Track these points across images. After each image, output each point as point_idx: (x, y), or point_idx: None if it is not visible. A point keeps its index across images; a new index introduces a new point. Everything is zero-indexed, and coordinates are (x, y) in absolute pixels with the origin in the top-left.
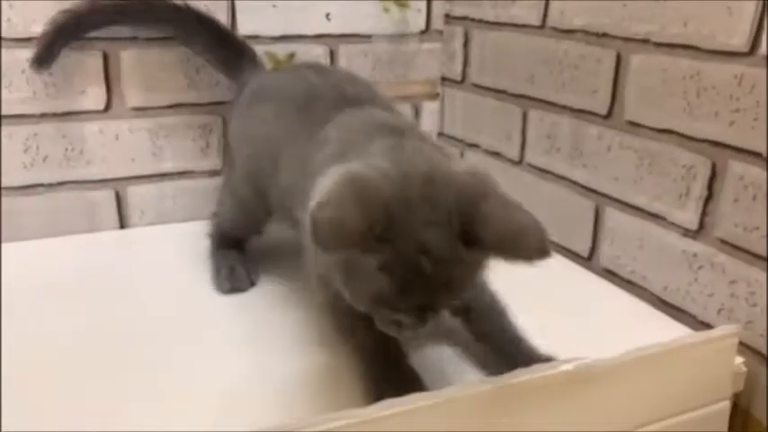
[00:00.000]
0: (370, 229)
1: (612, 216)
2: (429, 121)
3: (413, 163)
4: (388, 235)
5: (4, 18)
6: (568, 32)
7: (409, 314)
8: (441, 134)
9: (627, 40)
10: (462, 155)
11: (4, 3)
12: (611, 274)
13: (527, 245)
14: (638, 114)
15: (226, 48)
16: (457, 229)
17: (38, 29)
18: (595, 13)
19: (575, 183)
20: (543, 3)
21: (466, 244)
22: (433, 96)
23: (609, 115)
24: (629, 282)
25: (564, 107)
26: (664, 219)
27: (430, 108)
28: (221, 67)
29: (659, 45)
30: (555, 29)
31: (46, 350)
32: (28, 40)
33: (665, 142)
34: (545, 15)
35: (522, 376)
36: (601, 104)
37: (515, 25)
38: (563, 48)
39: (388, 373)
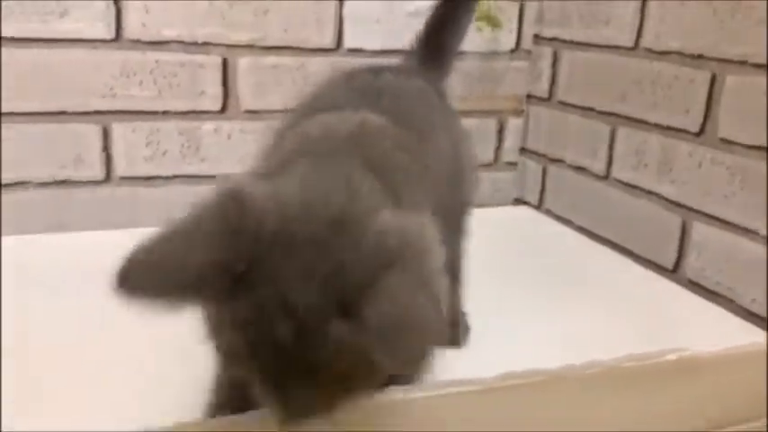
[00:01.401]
0: (225, 268)
1: (700, 230)
2: (513, 137)
3: (326, 196)
4: (248, 281)
5: (139, 22)
6: (663, 54)
7: (274, 403)
8: (523, 149)
9: (723, 61)
10: (545, 170)
11: (140, 7)
12: (695, 286)
13: (412, 342)
14: (732, 132)
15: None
16: (338, 295)
17: (169, 32)
18: (691, 35)
19: (662, 197)
20: (637, 25)
21: (345, 318)
22: (519, 113)
23: (701, 133)
24: (714, 293)
25: (654, 125)
26: (755, 233)
27: (514, 124)
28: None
29: (757, 66)
30: (649, 50)
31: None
32: (160, 43)
33: (759, 159)
34: (638, 37)
35: (627, 362)
36: (693, 122)
37: (607, 46)
38: (656, 68)
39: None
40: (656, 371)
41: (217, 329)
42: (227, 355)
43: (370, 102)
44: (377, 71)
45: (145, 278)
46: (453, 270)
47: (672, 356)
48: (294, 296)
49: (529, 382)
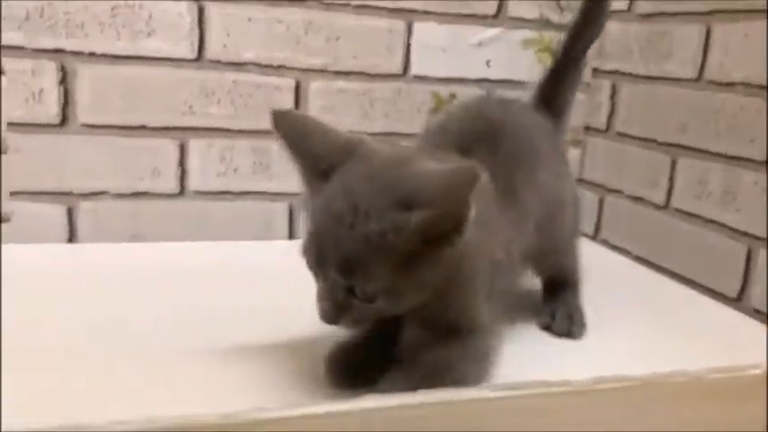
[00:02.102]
0: (317, 161)
1: (766, 258)
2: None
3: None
4: (328, 180)
5: (220, 43)
6: (727, 85)
7: (325, 290)
8: (580, 180)
9: None
10: (601, 201)
11: (222, 30)
12: (761, 315)
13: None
14: None
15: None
16: (393, 190)
17: (248, 55)
18: (756, 65)
19: (725, 226)
20: (700, 58)
21: (399, 208)
22: (576, 144)
23: None
24: None
25: (717, 154)
26: None
27: (572, 155)
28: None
29: None
30: (712, 82)
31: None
32: (239, 64)
33: None
34: (701, 69)
35: (712, 373)
36: (758, 151)
37: (668, 79)
38: (719, 99)
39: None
40: (740, 384)
41: (306, 213)
42: (304, 246)
43: (474, 143)
44: (501, 107)
45: (287, 128)
46: (569, 276)
47: (757, 371)
48: (354, 187)
49: (618, 386)
